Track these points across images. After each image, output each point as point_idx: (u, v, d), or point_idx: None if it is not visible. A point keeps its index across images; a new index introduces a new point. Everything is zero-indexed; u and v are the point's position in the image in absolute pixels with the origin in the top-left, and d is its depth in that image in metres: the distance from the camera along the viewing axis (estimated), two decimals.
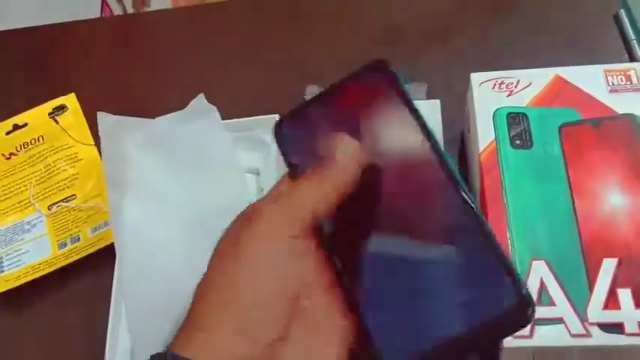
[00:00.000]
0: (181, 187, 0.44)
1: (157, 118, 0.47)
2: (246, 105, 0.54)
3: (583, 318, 0.37)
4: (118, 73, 0.62)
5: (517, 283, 0.27)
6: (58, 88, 0.59)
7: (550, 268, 0.39)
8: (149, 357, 0.27)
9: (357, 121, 0.32)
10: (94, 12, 1.06)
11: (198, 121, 0.46)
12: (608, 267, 0.39)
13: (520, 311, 0.27)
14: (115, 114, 0.50)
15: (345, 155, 0.30)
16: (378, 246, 0.31)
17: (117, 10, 1.14)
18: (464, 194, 0.30)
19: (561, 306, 0.38)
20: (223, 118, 0.50)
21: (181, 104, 0.49)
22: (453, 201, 0.30)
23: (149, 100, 0.58)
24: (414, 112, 0.32)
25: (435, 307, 0.29)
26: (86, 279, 0.49)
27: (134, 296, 0.43)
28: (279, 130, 0.33)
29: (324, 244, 0.31)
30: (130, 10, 1.23)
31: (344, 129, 0.32)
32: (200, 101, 0.46)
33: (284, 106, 0.34)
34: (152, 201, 0.45)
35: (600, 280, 0.38)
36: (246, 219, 0.29)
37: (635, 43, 0.55)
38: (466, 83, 0.48)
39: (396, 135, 0.32)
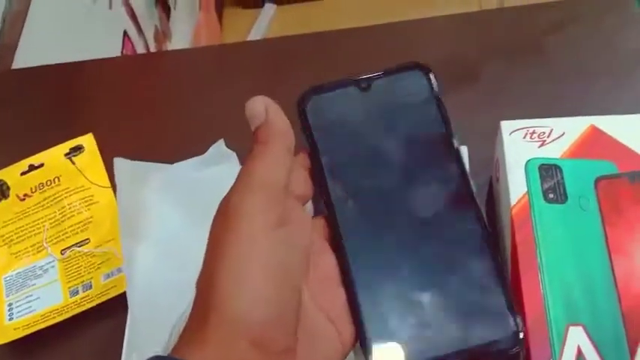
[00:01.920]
0: (199, 234, 0.42)
1: (175, 164, 0.45)
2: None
3: None
4: (136, 113, 0.61)
5: (515, 322, 0.30)
6: (76, 127, 0.58)
7: (589, 336, 0.37)
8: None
9: (383, 113, 0.34)
10: (115, 46, 1.06)
11: (218, 166, 0.44)
12: None
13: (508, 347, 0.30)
14: (132, 155, 0.48)
15: (267, 116, 0.31)
16: (385, 250, 0.32)
17: (138, 44, 1.15)
18: (481, 216, 0.32)
19: None
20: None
21: (201, 146, 0.48)
22: (470, 219, 0.32)
23: (168, 142, 0.57)
24: (444, 117, 0.34)
25: (430, 324, 0.30)
26: (97, 328, 0.47)
27: (146, 349, 0.41)
28: (302, 104, 0.34)
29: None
30: (152, 43, 1.23)
31: (368, 117, 0.33)
32: (220, 147, 0.45)
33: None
34: (167, 249, 0.43)
35: None
36: (229, 215, 0.29)
37: None
38: (493, 128, 0.46)
39: (421, 135, 0.34)
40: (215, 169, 0.44)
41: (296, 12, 1.88)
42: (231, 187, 0.30)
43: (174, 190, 0.45)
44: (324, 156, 0.33)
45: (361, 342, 0.30)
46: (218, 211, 0.30)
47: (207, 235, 0.44)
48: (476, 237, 0.32)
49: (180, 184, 0.45)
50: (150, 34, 1.24)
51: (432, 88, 0.35)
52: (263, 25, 1.85)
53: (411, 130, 0.34)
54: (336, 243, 0.32)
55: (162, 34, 1.33)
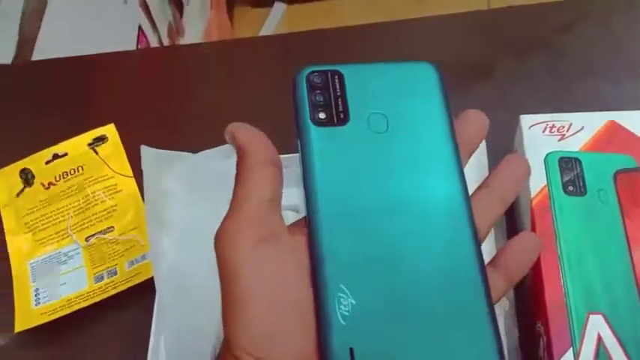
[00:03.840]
0: (219, 223, 0.43)
1: (198, 154, 0.46)
2: (285, 141, 0.53)
3: None
4: (156, 104, 0.62)
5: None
6: (98, 118, 0.59)
7: (608, 324, 0.37)
8: None
9: (383, 101, 0.31)
10: (131, 40, 1.07)
11: (234, 157, 0.45)
12: None
13: None
14: (154, 146, 0.49)
15: (255, 143, 0.31)
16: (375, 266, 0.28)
17: (152, 39, 1.16)
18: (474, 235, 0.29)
19: None
20: None
21: (218, 137, 0.49)
22: (462, 239, 0.29)
23: (187, 133, 0.58)
24: (445, 115, 0.31)
25: (410, 355, 0.27)
26: (123, 313, 0.48)
27: (173, 333, 0.42)
28: (304, 81, 0.32)
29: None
30: (165, 39, 1.24)
31: (366, 101, 0.31)
32: None
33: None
34: (192, 237, 0.44)
35: None
36: (217, 242, 0.29)
37: None
38: (512, 123, 0.47)
39: (420, 131, 0.31)
40: (234, 160, 0.45)
41: (305, 11, 1.88)
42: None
43: (198, 179, 0.45)
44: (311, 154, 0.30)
45: None
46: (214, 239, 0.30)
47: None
48: (468, 264, 0.29)
49: (203, 174, 0.46)
50: (164, 30, 1.25)
51: (439, 86, 0.33)
52: (273, 23, 1.86)
53: (410, 124, 0.31)
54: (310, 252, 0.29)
55: (176, 31, 1.34)
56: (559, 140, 0.45)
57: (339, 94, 0.32)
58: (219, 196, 0.46)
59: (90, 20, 0.95)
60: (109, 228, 0.52)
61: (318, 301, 0.28)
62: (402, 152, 0.30)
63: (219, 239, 0.29)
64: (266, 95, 0.59)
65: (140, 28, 1.12)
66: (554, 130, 0.45)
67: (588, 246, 0.40)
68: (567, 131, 0.45)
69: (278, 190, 0.31)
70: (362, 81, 0.32)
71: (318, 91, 0.32)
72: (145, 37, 1.14)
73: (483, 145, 0.51)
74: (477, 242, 0.29)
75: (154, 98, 0.63)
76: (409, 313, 0.27)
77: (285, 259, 0.29)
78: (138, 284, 0.49)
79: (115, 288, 0.49)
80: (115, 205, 0.53)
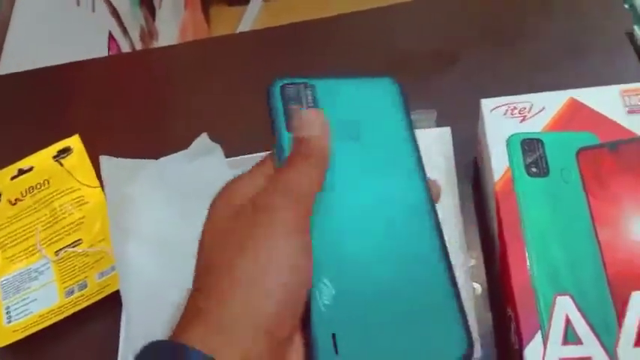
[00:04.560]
0: (186, 228, 0.43)
1: (160, 159, 0.46)
2: (255, 140, 0.53)
3: (613, 357, 0.35)
4: (121, 112, 0.61)
5: (468, 338, 0.29)
6: (63, 129, 0.59)
7: (576, 304, 0.37)
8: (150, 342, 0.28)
9: (351, 111, 0.34)
10: (101, 47, 1.06)
11: (202, 159, 0.45)
12: (638, 301, 0.37)
13: None
14: (120, 153, 0.49)
15: (317, 131, 0.32)
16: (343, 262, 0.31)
17: (124, 45, 1.15)
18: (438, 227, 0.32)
19: (589, 345, 0.36)
20: (234, 155, 0.49)
21: (188, 142, 0.48)
22: (426, 232, 0.32)
23: (155, 140, 0.57)
24: (407, 123, 0.34)
25: (385, 338, 0.30)
26: (94, 326, 0.48)
27: (142, 339, 0.42)
28: (278, 92, 0.34)
29: None
30: (138, 43, 1.23)
31: (336, 110, 0.33)
32: (203, 140, 0.45)
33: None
34: (157, 243, 0.43)
35: (629, 315, 0.36)
36: (254, 211, 0.30)
37: None
38: (477, 108, 0.47)
39: (385, 137, 0.34)
40: (200, 162, 0.44)
41: (282, 6, 1.87)
42: (261, 190, 0.31)
43: (161, 185, 0.45)
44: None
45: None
46: (252, 202, 0.30)
47: (197, 227, 0.44)
48: (430, 246, 0.32)
49: (166, 179, 0.45)
50: (135, 34, 1.24)
51: (400, 97, 0.35)
52: (250, 20, 1.85)
53: (376, 133, 0.34)
54: None
55: (149, 34, 1.33)
56: (521, 122, 0.44)
57: (310, 104, 0.34)
58: (183, 200, 0.45)
59: (57, 30, 0.94)
60: (77, 241, 0.51)
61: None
62: (371, 157, 0.33)
63: (259, 205, 0.30)
64: (243, 92, 0.59)
65: (110, 34, 1.11)
66: (515, 112, 0.45)
67: (553, 227, 0.40)
68: (528, 112, 0.45)
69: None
70: (331, 92, 0.35)
71: (292, 102, 0.34)
72: (116, 42, 1.13)
73: (448, 131, 0.51)
74: (440, 232, 0.32)
75: (122, 105, 0.62)
76: (384, 300, 0.30)
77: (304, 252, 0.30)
78: (109, 295, 0.48)
79: (86, 300, 0.48)
80: (83, 217, 0.52)
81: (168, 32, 1.46)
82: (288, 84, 0.34)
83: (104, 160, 0.45)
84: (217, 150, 0.45)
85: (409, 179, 0.33)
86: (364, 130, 0.34)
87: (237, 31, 1.80)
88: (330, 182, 0.32)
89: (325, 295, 0.30)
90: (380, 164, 0.33)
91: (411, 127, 0.34)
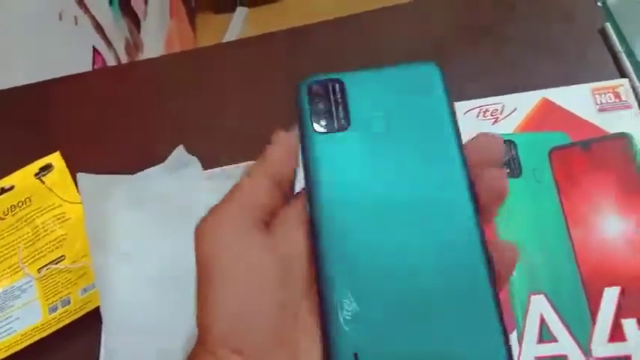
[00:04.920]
0: (164, 242, 0.43)
1: (137, 174, 0.46)
2: (248, 148, 0.53)
3: (587, 353, 0.36)
4: (104, 127, 0.62)
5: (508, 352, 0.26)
6: (45, 147, 0.59)
7: (550, 303, 0.37)
8: None
9: (384, 106, 0.32)
10: (85, 61, 1.06)
11: (179, 173, 0.45)
12: (611, 297, 0.37)
13: None
14: (102, 169, 0.49)
15: (280, 147, 0.31)
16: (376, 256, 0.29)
17: (109, 57, 1.15)
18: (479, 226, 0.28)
19: (564, 342, 0.36)
20: (214, 166, 0.49)
21: (169, 154, 0.49)
22: (468, 243, 0.28)
23: (136, 154, 0.57)
24: (448, 115, 0.31)
25: (417, 338, 0.27)
26: (76, 342, 0.48)
27: (121, 357, 0.42)
28: (305, 90, 0.32)
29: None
30: (123, 55, 1.23)
31: (367, 107, 0.31)
32: (180, 153, 0.45)
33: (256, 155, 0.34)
34: (136, 258, 0.44)
35: (603, 311, 0.37)
36: (199, 233, 0.29)
37: (623, 55, 0.54)
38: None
39: (422, 134, 0.31)
40: (177, 175, 0.45)
41: (268, 13, 1.88)
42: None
43: (139, 199, 0.45)
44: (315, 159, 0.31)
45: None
46: (194, 233, 0.30)
47: (175, 241, 0.45)
48: (470, 255, 0.28)
49: (144, 194, 0.45)
50: (120, 47, 1.24)
51: (441, 86, 0.32)
52: (236, 28, 1.85)
53: (412, 127, 0.31)
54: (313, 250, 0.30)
55: (134, 46, 1.33)
56: (493, 124, 0.45)
57: (339, 102, 0.32)
58: (162, 213, 0.46)
59: (39, 45, 0.94)
60: (60, 257, 0.51)
61: (322, 307, 0.28)
62: (404, 156, 0.30)
63: (203, 227, 0.29)
64: (230, 102, 0.60)
65: (95, 48, 1.12)
66: (487, 114, 0.45)
67: (526, 226, 0.40)
68: (500, 114, 0.45)
69: (275, 200, 0.31)
70: (363, 88, 0.32)
71: (320, 100, 0.32)
72: (101, 56, 1.13)
73: None
74: (483, 242, 0.28)
75: (102, 120, 0.63)
76: (412, 317, 0.27)
77: (270, 252, 0.29)
78: (90, 311, 0.48)
79: (69, 317, 0.48)
80: (65, 234, 0.52)
81: (154, 43, 1.47)
82: (316, 81, 0.33)
83: (81, 177, 0.45)
84: (194, 162, 0.45)
85: (450, 179, 0.30)
86: (398, 125, 0.31)
87: (225, 39, 1.80)
88: (360, 185, 0.30)
89: (346, 309, 0.28)
90: (417, 163, 0.30)
91: (453, 118, 0.31)
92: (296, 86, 0.33)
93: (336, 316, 0.27)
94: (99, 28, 1.16)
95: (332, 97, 0.32)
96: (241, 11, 1.92)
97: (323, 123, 0.31)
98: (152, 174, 0.45)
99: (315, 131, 0.31)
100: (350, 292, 0.28)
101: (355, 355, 0.27)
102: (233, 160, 0.50)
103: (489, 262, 0.28)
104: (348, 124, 0.31)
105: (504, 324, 0.27)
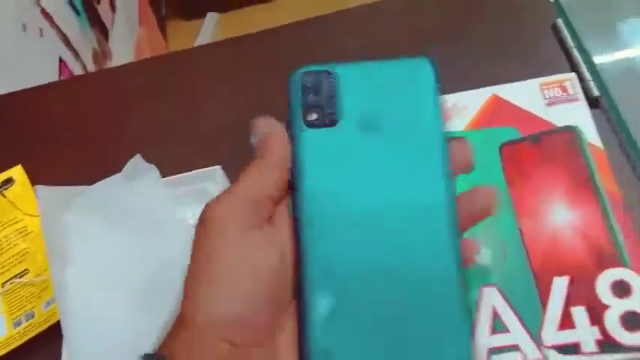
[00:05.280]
0: (125, 252, 0.43)
1: (95, 185, 0.46)
2: (213, 153, 0.53)
3: (539, 342, 0.36)
4: (66, 139, 0.62)
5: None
6: (7, 159, 0.59)
7: (502, 295, 0.38)
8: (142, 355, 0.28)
9: (375, 101, 0.31)
10: (51, 72, 1.06)
11: (137, 181, 0.45)
12: (560, 286, 0.38)
13: None
14: (65, 182, 0.49)
15: (280, 137, 0.31)
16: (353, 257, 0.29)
17: (76, 68, 1.14)
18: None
19: (516, 332, 0.37)
20: (176, 173, 0.49)
21: (156, 156, 0.48)
22: (443, 245, 0.29)
23: (100, 164, 0.57)
24: (436, 113, 0.31)
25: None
26: (40, 356, 0.48)
27: None
28: (298, 81, 0.32)
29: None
30: (91, 65, 1.23)
31: (358, 101, 0.31)
32: (137, 161, 0.45)
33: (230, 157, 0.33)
34: (96, 270, 0.44)
35: (552, 300, 0.38)
36: (205, 221, 0.30)
37: (574, 50, 0.55)
38: None
39: (409, 131, 0.31)
40: (136, 184, 0.45)
41: (238, 18, 1.88)
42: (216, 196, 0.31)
43: (97, 209, 0.45)
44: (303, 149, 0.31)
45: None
46: (198, 218, 0.30)
47: (137, 250, 0.45)
48: (446, 260, 0.29)
49: (103, 204, 0.45)
50: (88, 57, 1.23)
51: (432, 82, 0.32)
52: (207, 34, 1.85)
53: (401, 124, 0.31)
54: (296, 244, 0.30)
55: (102, 55, 1.32)
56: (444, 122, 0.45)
57: (331, 94, 0.32)
58: (122, 223, 0.46)
59: (2, 57, 0.93)
60: (24, 271, 0.51)
61: (300, 302, 0.29)
62: (390, 154, 0.30)
63: (211, 212, 0.29)
64: (198, 106, 0.60)
65: (61, 59, 1.11)
66: None
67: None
68: (452, 112, 0.46)
69: (280, 192, 0.31)
70: (355, 81, 0.32)
71: (310, 92, 0.32)
72: (68, 67, 1.12)
73: None
74: (459, 246, 0.29)
75: (67, 132, 0.63)
76: (385, 318, 0.28)
77: (269, 248, 0.29)
78: (53, 325, 0.48)
79: (33, 330, 0.48)
80: (28, 247, 0.52)
81: (124, 52, 1.46)
82: (308, 72, 0.32)
83: (40, 189, 0.45)
84: (153, 170, 0.46)
85: (431, 181, 0.30)
86: (387, 121, 0.31)
87: (196, 44, 1.80)
88: (344, 184, 0.30)
89: (323, 306, 0.28)
90: (400, 162, 0.30)
91: (440, 116, 0.31)
92: (288, 76, 0.32)
93: (312, 314, 0.28)
94: (65, 38, 1.16)
95: (323, 89, 0.32)
96: (212, 17, 1.92)
97: (313, 116, 0.31)
98: (110, 183, 0.45)
99: (305, 124, 0.31)
100: (326, 291, 0.28)
101: (328, 352, 0.28)
102: (206, 163, 0.51)
103: (461, 266, 0.29)
104: (338, 118, 0.31)
105: (472, 328, 0.29)
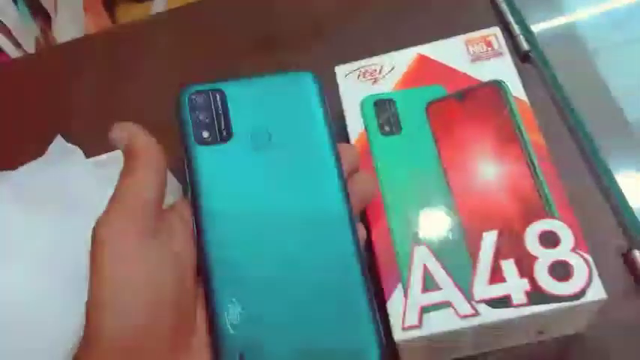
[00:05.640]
0: (57, 237, 0.42)
1: (17, 169, 0.45)
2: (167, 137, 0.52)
3: (470, 297, 0.37)
4: (20, 120, 0.60)
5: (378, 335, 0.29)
6: None
7: (432, 252, 0.38)
8: None
9: (265, 116, 0.33)
10: None
11: (61, 163, 0.44)
12: (489, 240, 0.38)
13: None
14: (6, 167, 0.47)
15: (140, 142, 0.31)
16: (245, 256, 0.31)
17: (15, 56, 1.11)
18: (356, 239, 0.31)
19: (447, 289, 0.37)
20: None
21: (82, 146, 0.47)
22: (342, 246, 0.31)
23: (19, 150, 0.55)
24: (324, 124, 0.33)
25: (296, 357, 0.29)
26: None
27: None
28: (186, 102, 0.33)
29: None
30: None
31: (248, 117, 0.33)
32: (60, 143, 0.44)
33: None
34: (22, 259, 0.42)
35: (482, 255, 0.38)
36: (95, 241, 0.29)
37: (503, 5, 0.54)
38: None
39: (301, 143, 0.33)
40: (60, 167, 0.44)
41: None
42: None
43: (19, 196, 0.44)
44: (196, 163, 0.32)
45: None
46: (90, 239, 0.30)
47: (65, 236, 0.44)
48: (346, 255, 0.31)
49: (27, 189, 0.44)
50: (30, 46, 1.20)
51: (319, 95, 0.34)
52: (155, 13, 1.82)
53: (291, 137, 0.33)
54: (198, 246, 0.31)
55: (45, 44, 1.29)
56: (373, 84, 0.45)
57: (221, 112, 0.33)
58: (49, 208, 0.45)
59: None
60: None
61: (209, 312, 0.30)
62: (284, 165, 0.32)
63: (99, 228, 0.29)
64: (146, 82, 0.58)
65: (1, 49, 1.08)
66: (367, 75, 0.46)
67: (407, 179, 0.41)
68: (379, 74, 0.45)
69: (162, 192, 0.31)
70: (244, 97, 0.34)
71: (200, 111, 0.33)
72: (8, 57, 1.09)
73: None
74: (357, 240, 0.32)
75: (18, 113, 0.61)
76: (293, 317, 0.30)
77: (163, 255, 0.30)
78: None
79: None
80: None
81: (70, 38, 1.42)
82: (197, 91, 0.33)
83: None
84: (76, 152, 0.44)
85: (326, 187, 0.32)
86: (278, 135, 0.33)
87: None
88: (238, 193, 0.31)
89: (232, 313, 0.29)
90: (294, 173, 0.32)
91: (329, 127, 0.33)
92: (176, 97, 0.33)
93: (222, 320, 0.29)
94: (4, 29, 1.12)
95: (213, 107, 0.33)
96: None
97: (205, 134, 0.32)
98: (34, 167, 0.44)
99: (198, 142, 0.32)
100: (234, 297, 0.30)
101: (241, 355, 0.29)
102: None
103: (363, 258, 0.31)
104: (230, 135, 0.33)
105: (378, 318, 0.30)
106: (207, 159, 0.32)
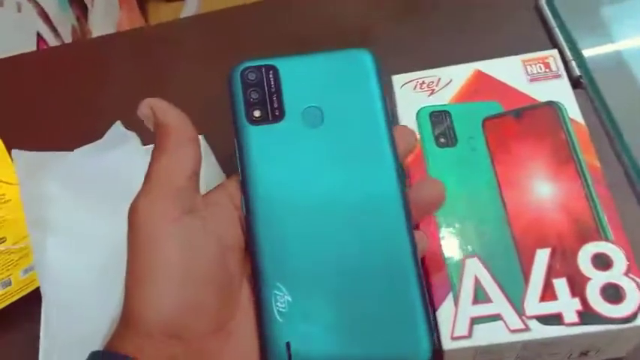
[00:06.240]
0: (104, 220, 0.43)
1: (75, 151, 0.45)
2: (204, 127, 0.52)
3: (521, 312, 0.37)
4: (43, 107, 0.61)
5: (431, 337, 0.28)
6: None
7: (484, 265, 0.38)
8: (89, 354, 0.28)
9: (318, 94, 0.32)
10: (29, 48, 1.04)
11: (118, 149, 0.44)
12: (542, 258, 0.38)
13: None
14: (41, 149, 0.48)
15: (172, 118, 0.31)
16: (299, 251, 0.30)
17: (54, 43, 1.12)
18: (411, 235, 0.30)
19: (498, 302, 0.37)
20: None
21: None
22: (397, 233, 0.29)
23: (76, 132, 0.56)
24: (380, 104, 0.31)
25: (345, 348, 0.28)
26: (18, 324, 0.47)
27: (63, 338, 0.41)
28: (238, 78, 0.32)
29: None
30: (70, 42, 1.21)
31: (301, 95, 0.31)
32: (118, 128, 0.44)
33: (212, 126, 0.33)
34: (76, 237, 0.43)
35: (535, 272, 0.38)
36: (132, 220, 0.29)
37: (556, 30, 0.55)
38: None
39: (355, 123, 0.31)
40: (117, 152, 0.44)
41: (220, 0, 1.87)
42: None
43: (77, 177, 0.44)
44: (249, 142, 0.31)
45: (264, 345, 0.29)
46: (127, 219, 0.30)
47: (115, 220, 0.44)
48: (402, 252, 0.30)
49: (82, 171, 0.45)
50: (67, 34, 1.21)
51: (375, 73, 0.33)
52: (189, 15, 1.83)
53: (346, 116, 0.31)
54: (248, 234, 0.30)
55: (81, 34, 1.30)
56: (429, 95, 0.46)
57: (273, 89, 0.31)
58: (101, 192, 0.45)
59: None
60: (1, 239, 0.51)
61: (256, 298, 0.29)
62: (337, 146, 0.31)
63: (137, 210, 0.29)
64: (181, 80, 0.59)
65: (39, 35, 1.09)
66: (424, 86, 0.46)
67: (462, 194, 0.41)
68: (436, 86, 0.46)
69: (198, 166, 0.31)
70: (297, 74, 0.32)
71: (253, 88, 0.31)
72: (46, 43, 1.10)
73: None
74: (411, 233, 0.30)
75: (43, 101, 0.62)
76: (343, 308, 0.29)
77: (205, 234, 0.29)
78: (34, 291, 0.48)
79: (10, 298, 0.48)
80: (5, 215, 0.51)
81: (104, 32, 1.44)
82: (249, 67, 0.32)
83: (16, 154, 0.44)
84: (133, 137, 0.45)
85: (381, 170, 0.30)
86: (332, 114, 0.31)
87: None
88: (293, 179, 0.30)
89: (280, 301, 0.29)
90: (347, 154, 0.31)
91: (384, 106, 0.32)
92: (228, 74, 0.32)
93: (270, 307, 0.28)
94: (44, 14, 1.14)
95: (265, 85, 0.31)
96: None
97: (257, 113, 0.31)
98: (91, 150, 0.44)
99: (250, 122, 0.31)
100: (284, 285, 0.29)
101: (287, 344, 0.28)
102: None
103: (416, 251, 0.30)
104: (283, 114, 0.31)
105: (429, 313, 0.29)
106: (260, 139, 0.31)
